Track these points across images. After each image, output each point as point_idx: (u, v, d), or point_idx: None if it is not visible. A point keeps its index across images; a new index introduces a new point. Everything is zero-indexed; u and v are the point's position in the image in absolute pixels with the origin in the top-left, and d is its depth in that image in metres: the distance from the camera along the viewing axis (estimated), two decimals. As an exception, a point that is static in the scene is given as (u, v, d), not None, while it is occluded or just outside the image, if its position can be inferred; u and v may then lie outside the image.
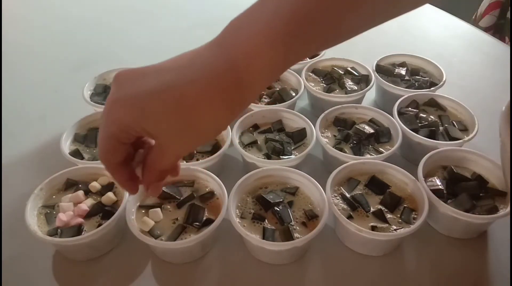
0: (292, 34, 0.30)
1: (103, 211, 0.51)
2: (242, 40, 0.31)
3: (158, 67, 0.34)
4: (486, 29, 1.05)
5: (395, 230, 0.48)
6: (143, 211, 0.51)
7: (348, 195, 0.52)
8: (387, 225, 0.49)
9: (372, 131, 0.61)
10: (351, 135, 0.61)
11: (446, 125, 0.63)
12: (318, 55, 0.79)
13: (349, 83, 0.71)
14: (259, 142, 0.61)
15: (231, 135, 0.59)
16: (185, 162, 0.57)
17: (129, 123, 0.32)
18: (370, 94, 0.75)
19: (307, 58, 0.79)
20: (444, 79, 0.70)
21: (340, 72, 0.74)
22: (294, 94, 0.68)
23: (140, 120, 0.32)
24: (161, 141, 0.34)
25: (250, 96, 0.33)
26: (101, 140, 0.35)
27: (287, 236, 0.47)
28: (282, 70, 0.33)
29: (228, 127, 0.61)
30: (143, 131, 0.33)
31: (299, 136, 0.61)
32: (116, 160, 0.36)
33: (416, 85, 0.71)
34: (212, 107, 0.31)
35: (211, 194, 0.53)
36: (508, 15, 1.02)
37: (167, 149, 0.34)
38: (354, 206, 0.51)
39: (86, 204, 0.51)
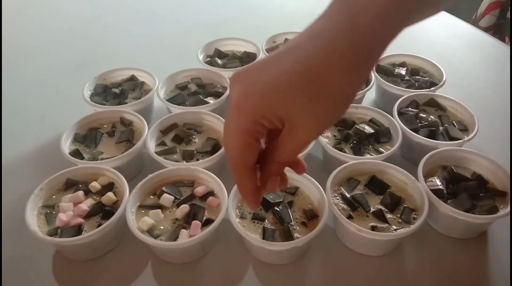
0: None
1: (103, 211, 0.51)
2: (362, 2, 0.31)
3: (273, 55, 0.33)
4: (486, 29, 1.05)
5: (395, 230, 0.48)
6: (143, 211, 0.51)
7: (348, 195, 0.52)
8: (387, 225, 0.49)
9: (372, 131, 0.61)
10: (351, 135, 0.61)
11: (446, 125, 0.63)
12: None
13: (349, 83, 0.71)
14: (259, 142, 0.61)
15: (231, 135, 0.59)
16: (185, 162, 0.57)
17: (262, 111, 0.32)
18: (370, 94, 0.75)
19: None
20: (444, 79, 0.70)
21: (340, 72, 0.74)
22: (294, 94, 0.68)
23: (273, 104, 0.31)
24: (293, 122, 0.32)
25: (375, 57, 0.32)
26: (235, 139, 0.33)
27: (287, 236, 0.47)
28: (400, 27, 0.33)
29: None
30: (275, 117, 0.32)
31: (299, 136, 0.61)
32: (250, 161, 0.35)
33: (416, 85, 0.71)
34: (341, 75, 0.31)
35: (211, 194, 0.53)
36: (508, 15, 1.02)
37: (300, 130, 0.33)
38: (354, 206, 0.51)
39: (86, 204, 0.51)
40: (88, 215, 0.50)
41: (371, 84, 0.69)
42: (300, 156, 0.39)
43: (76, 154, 0.59)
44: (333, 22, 0.31)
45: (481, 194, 0.52)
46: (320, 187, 0.51)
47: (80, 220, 0.50)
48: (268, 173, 0.37)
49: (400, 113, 0.64)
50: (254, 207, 0.38)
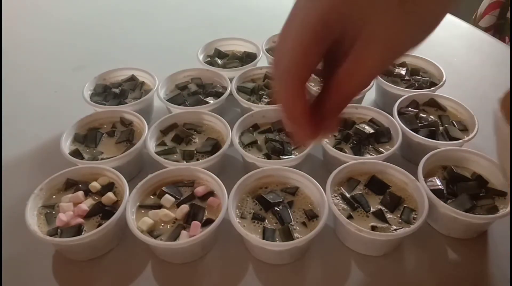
0: None
1: (103, 211, 0.51)
2: None
3: None
4: (486, 29, 1.05)
5: (395, 230, 0.48)
6: (143, 211, 0.51)
7: (348, 195, 0.52)
8: (387, 225, 0.49)
9: (372, 131, 0.61)
10: (351, 135, 0.61)
11: (446, 125, 0.63)
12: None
13: (349, 83, 0.71)
14: (259, 142, 0.61)
15: (231, 135, 0.59)
16: (185, 162, 0.57)
17: (338, 6, 0.26)
18: (370, 94, 0.75)
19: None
20: (444, 79, 0.70)
21: (340, 72, 0.74)
22: (294, 94, 0.68)
23: (350, 1, 0.26)
24: (374, 29, 0.26)
25: None
26: (297, 38, 0.27)
27: (287, 236, 0.47)
28: None
29: (228, 127, 0.61)
30: (350, 19, 0.26)
31: (299, 136, 0.61)
32: (306, 73, 0.28)
33: (416, 85, 0.71)
34: None
35: (211, 194, 0.53)
36: (508, 15, 1.02)
37: (379, 41, 0.26)
38: (354, 206, 0.51)
39: (86, 204, 0.51)
40: (88, 215, 0.50)
41: (371, 84, 0.69)
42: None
43: (76, 154, 0.59)
44: None
45: (481, 194, 0.52)
46: (320, 187, 0.51)
47: (80, 220, 0.50)
48: (331, 108, 0.30)
49: (400, 113, 0.64)
50: (309, 136, 0.30)
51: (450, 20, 1.03)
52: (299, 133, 0.30)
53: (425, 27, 0.27)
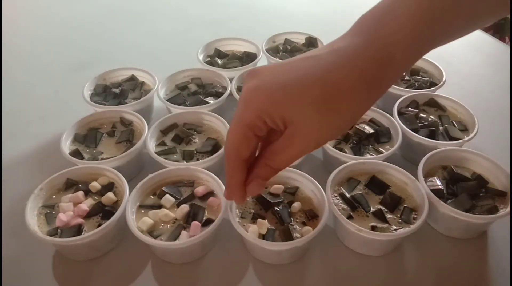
0: (436, 11, 0.31)
1: (103, 211, 0.51)
2: (384, 24, 0.31)
3: (293, 59, 0.34)
4: (486, 29, 1.05)
5: (395, 230, 0.48)
6: (143, 211, 0.51)
7: (348, 195, 0.52)
8: (387, 225, 0.49)
9: (372, 131, 0.61)
10: (351, 135, 0.61)
11: (446, 125, 0.63)
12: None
13: (349, 83, 0.71)
14: (259, 142, 0.61)
15: (231, 135, 0.59)
16: (185, 162, 0.57)
17: (269, 109, 0.32)
18: (370, 94, 0.75)
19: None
20: (444, 79, 0.70)
21: (340, 72, 0.74)
22: (294, 94, 0.68)
23: (281, 104, 0.32)
24: (295, 128, 0.33)
25: (391, 82, 0.33)
26: (235, 130, 0.34)
27: (287, 236, 0.47)
28: (424, 52, 0.33)
29: (228, 127, 0.61)
30: (279, 117, 0.32)
31: (299, 136, 0.61)
32: (245, 154, 0.35)
33: (416, 85, 0.71)
34: (355, 91, 0.31)
35: (211, 194, 0.53)
36: (508, 15, 1.02)
37: (300, 137, 0.33)
38: (354, 206, 0.51)
39: (86, 204, 0.51)
40: (88, 215, 0.50)
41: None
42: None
43: (76, 154, 0.59)
44: (356, 43, 0.32)
45: (481, 194, 0.52)
46: (320, 187, 0.51)
47: (80, 220, 0.50)
48: (255, 175, 0.37)
49: (400, 113, 0.64)
50: (240, 201, 0.38)
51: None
52: (231, 194, 0.38)
53: (340, 128, 0.34)
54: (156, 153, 0.58)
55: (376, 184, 0.53)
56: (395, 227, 0.48)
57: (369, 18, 0.33)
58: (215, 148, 0.59)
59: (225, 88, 0.70)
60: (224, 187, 0.51)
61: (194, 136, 0.63)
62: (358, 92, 0.31)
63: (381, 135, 0.61)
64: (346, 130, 0.33)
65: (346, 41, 0.33)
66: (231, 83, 0.70)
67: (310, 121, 0.32)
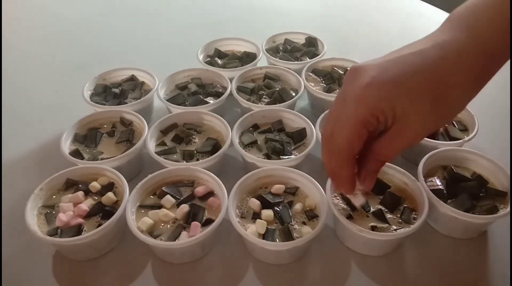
0: None
1: (103, 211, 0.51)
2: (485, 19, 0.34)
3: (399, 55, 0.35)
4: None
5: (395, 230, 0.48)
6: (143, 211, 0.51)
7: (348, 195, 0.52)
8: (387, 225, 0.49)
9: (372, 131, 0.61)
10: (351, 135, 0.61)
11: (446, 125, 0.63)
12: (318, 55, 0.79)
13: (349, 83, 0.71)
14: (259, 142, 0.61)
15: (231, 135, 0.60)
16: (185, 162, 0.57)
17: (383, 104, 0.34)
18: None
19: (307, 58, 0.79)
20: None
21: (340, 72, 0.74)
22: (294, 94, 0.68)
23: (395, 100, 0.33)
24: (407, 121, 0.34)
25: (498, 68, 0.34)
26: (347, 127, 0.35)
27: (287, 236, 0.47)
28: None
29: (228, 127, 0.61)
30: (392, 113, 0.34)
31: (299, 136, 0.61)
32: (357, 150, 0.37)
33: (416, 85, 0.71)
34: (464, 83, 0.33)
35: (211, 194, 0.53)
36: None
37: (411, 130, 0.35)
38: (354, 206, 0.51)
39: (86, 204, 0.51)
40: (88, 215, 0.50)
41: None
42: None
43: (76, 154, 0.59)
44: (459, 37, 0.34)
45: (481, 194, 0.52)
46: (320, 187, 0.51)
47: (80, 220, 0.50)
48: (368, 170, 0.39)
49: (400, 113, 0.64)
50: (351, 191, 0.41)
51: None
52: (345, 189, 0.41)
53: (448, 119, 0.37)
54: (156, 153, 0.58)
55: (376, 184, 0.53)
56: (395, 227, 0.48)
57: (464, 13, 0.35)
58: (215, 148, 0.59)
59: (225, 88, 0.70)
60: (224, 187, 0.51)
61: (194, 136, 0.63)
62: (467, 84, 0.33)
63: (381, 135, 0.61)
64: (448, 122, 0.36)
65: (448, 35, 0.34)
66: (231, 83, 0.70)
67: (422, 114, 0.34)
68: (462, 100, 0.34)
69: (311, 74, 0.75)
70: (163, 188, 0.53)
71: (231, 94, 0.69)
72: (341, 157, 0.37)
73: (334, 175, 0.39)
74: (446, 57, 0.33)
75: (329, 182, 0.51)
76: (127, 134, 0.62)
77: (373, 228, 0.48)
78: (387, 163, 0.54)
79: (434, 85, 0.33)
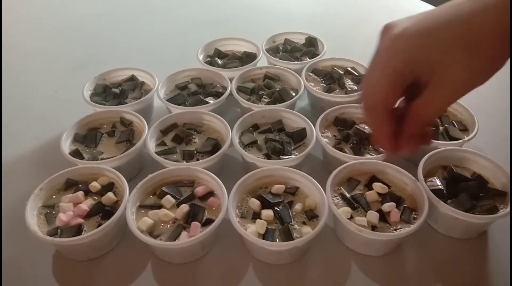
0: None
1: (103, 211, 0.51)
2: None
3: (433, 9, 0.35)
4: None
5: (395, 230, 0.48)
6: (143, 211, 0.51)
7: (348, 195, 0.52)
8: (387, 225, 0.49)
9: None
10: (351, 135, 0.61)
11: (446, 125, 0.63)
12: (318, 55, 0.79)
13: (349, 83, 0.71)
14: (259, 142, 0.61)
15: (231, 135, 0.59)
16: (185, 162, 0.57)
17: (417, 54, 0.33)
18: (370, 94, 0.74)
19: (307, 58, 0.79)
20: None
21: (340, 72, 0.74)
22: (294, 94, 0.68)
23: (429, 49, 0.33)
24: (444, 73, 0.33)
25: None
26: (380, 80, 0.35)
27: (287, 236, 0.47)
28: None
29: (228, 127, 0.61)
30: (427, 63, 0.33)
31: (299, 136, 0.61)
32: (392, 104, 0.36)
33: (416, 85, 0.71)
34: (498, 35, 0.32)
35: (211, 194, 0.53)
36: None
37: (450, 82, 0.33)
38: (354, 206, 0.51)
39: (86, 204, 0.51)
40: (88, 215, 0.50)
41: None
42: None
43: (76, 154, 0.59)
44: None
45: (481, 194, 0.52)
46: (320, 187, 0.51)
47: (80, 220, 0.50)
48: (409, 133, 0.37)
49: (400, 113, 0.64)
50: (392, 153, 0.38)
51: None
52: (386, 147, 0.39)
53: (485, 73, 0.34)
54: (156, 153, 0.58)
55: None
56: (395, 227, 0.48)
57: None
58: (215, 148, 0.59)
59: (225, 88, 0.70)
60: (224, 187, 0.51)
61: (194, 136, 0.63)
62: (497, 37, 0.32)
63: (381, 135, 0.61)
64: (488, 79, 0.34)
65: None
66: (231, 83, 0.70)
67: (459, 64, 0.33)
68: (494, 53, 0.33)
69: (311, 74, 0.75)
70: (163, 188, 0.53)
71: (231, 94, 0.69)
72: (378, 111, 0.36)
73: (375, 135, 0.38)
74: (481, 10, 0.32)
75: (329, 182, 0.51)
76: (127, 134, 0.62)
77: (373, 228, 0.48)
78: (387, 163, 0.54)
79: (471, 35, 0.32)
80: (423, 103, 0.35)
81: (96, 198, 0.53)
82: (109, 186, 0.54)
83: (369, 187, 0.53)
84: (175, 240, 0.47)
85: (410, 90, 0.36)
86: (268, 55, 0.79)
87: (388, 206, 0.50)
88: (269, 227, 0.48)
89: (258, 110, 0.64)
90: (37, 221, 0.50)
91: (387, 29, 0.35)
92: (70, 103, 0.73)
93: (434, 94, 0.34)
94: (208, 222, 0.49)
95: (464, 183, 0.53)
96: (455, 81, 0.33)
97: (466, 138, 0.59)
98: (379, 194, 0.52)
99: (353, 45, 0.95)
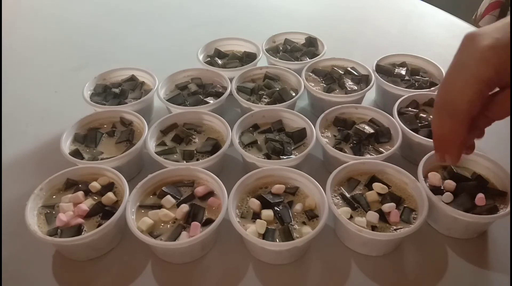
0: None
1: (103, 211, 0.51)
2: None
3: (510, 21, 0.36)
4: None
5: (395, 230, 0.48)
6: (143, 211, 0.51)
7: (348, 195, 0.52)
8: (387, 225, 0.49)
9: (372, 131, 0.61)
10: (351, 135, 0.61)
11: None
12: (318, 55, 0.79)
13: (349, 83, 0.71)
14: (259, 142, 0.61)
15: (231, 135, 0.60)
16: (185, 162, 0.57)
17: (502, 65, 0.34)
18: (370, 94, 0.75)
19: (307, 58, 0.79)
20: (444, 79, 0.70)
21: (340, 72, 0.74)
22: (294, 94, 0.68)
23: None
24: None
25: None
26: (469, 86, 0.35)
27: (287, 236, 0.47)
28: None
29: (228, 127, 0.61)
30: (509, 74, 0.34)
31: (299, 136, 0.61)
32: (475, 111, 0.36)
33: (416, 85, 0.71)
34: None
35: (211, 194, 0.53)
36: (508, 15, 1.02)
37: None
38: (354, 206, 0.51)
39: (86, 204, 0.51)
40: (88, 215, 0.50)
41: (371, 84, 0.69)
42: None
43: (76, 154, 0.59)
44: None
45: (481, 194, 0.52)
46: (320, 187, 0.51)
47: (80, 220, 0.50)
48: (474, 126, 0.39)
49: (400, 113, 0.64)
50: (458, 159, 0.40)
51: (450, 20, 1.03)
52: (453, 154, 0.40)
53: None
54: (156, 153, 0.58)
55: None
56: (395, 227, 0.48)
57: None
58: (215, 148, 0.59)
59: (225, 88, 0.70)
60: (224, 187, 0.51)
61: (194, 136, 0.63)
62: None
63: (381, 135, 0.61)
64: None
65: None
66: (231, 83, 0.70)
67: None
68: None
69: (311, 74, 0.75)
70: (163, 188, 0.53)
71: (231, 94, 0.69)
72: (459, 119, 0.37)
73: (444, 141, 0.39)
74: None
75: (329, 182, 0.51)
76: (127, 134, 0.62)
77: (373, 228, 0.48)
78: (387, 163, 0.54)
79: None
80: (498, 103, 0.37)
81: (96, 198, 0.53)
82: (109, 186, 0.54)
83: (369, 187, 0.53)
84: (175, 240, 0.47)
85: None
86: (268, 55, 0.79)
87: (388, 206, 0.50)
88: (269, 227, 0.48)
89: (258, 110, 0.64)
90: (37, 221, 0.50)
91: (472, 38, 0.36)
92: (70, 103, 0.73)
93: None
94: (208, 222, 0.49)
95: (464, 183, 0.53)
96: None
97: (466, 138, 0.59)
98: (379, 194, 0.52)
99: (353, 45, 0.95)
